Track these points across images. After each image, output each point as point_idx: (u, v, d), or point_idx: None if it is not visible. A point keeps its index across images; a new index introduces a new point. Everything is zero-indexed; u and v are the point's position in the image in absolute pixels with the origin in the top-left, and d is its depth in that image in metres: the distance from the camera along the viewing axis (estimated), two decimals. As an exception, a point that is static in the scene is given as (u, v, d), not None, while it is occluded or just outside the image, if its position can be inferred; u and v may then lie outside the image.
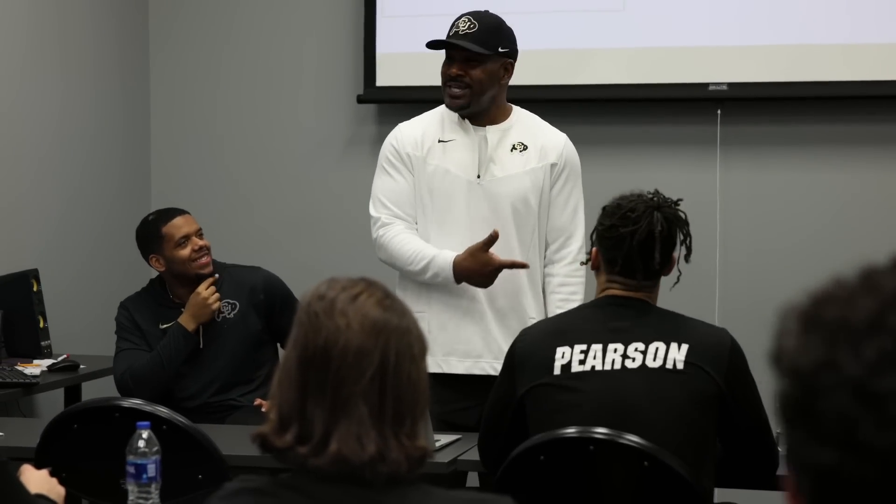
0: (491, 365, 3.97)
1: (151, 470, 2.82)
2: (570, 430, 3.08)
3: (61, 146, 5.70)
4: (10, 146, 5.38)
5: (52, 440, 3.49)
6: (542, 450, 3.09)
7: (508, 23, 5.82)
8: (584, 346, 3.20)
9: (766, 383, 3.29)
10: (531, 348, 3.26)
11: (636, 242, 3.19)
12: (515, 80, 5.72)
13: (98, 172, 5.93)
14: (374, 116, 5.88)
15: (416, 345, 1.99)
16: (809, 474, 1.14)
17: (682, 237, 3.30)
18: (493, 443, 3.37)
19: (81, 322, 5.63)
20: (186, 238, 4.68)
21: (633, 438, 3.04)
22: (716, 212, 5.61)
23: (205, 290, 4.63)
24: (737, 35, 5.55)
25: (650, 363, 3.16)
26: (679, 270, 3.33)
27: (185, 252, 4.67)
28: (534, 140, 4.10)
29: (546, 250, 4.13)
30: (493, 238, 3.92)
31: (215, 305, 4.63)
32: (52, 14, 5.62)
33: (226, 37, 6.15)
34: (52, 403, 5.20)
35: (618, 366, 3.17)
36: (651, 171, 5.74)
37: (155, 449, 2.83)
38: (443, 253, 4.01)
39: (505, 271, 3.95)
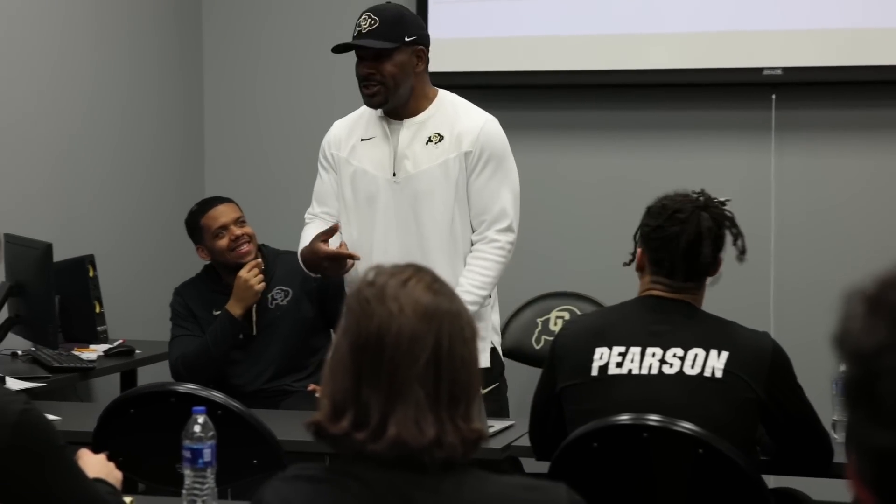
0: None
1: (207, 455, 2.83)
2: (624, 417, 3.07)
3: (119, 134, 5.74)
4: (70, 134, 5.42)
5: (108, 425, 3.52)
6: (595, 437, 3.09)
7: (562, 8, 5.83)
8: (622, 349, 3.18)
9: (823, 369, 3.29)
10: (571, 344, 3.26)
11: (685, 243, 3.17)
12: (571, 64, 5.76)
13: (154, 159, 5.97)
14: (427, 102, 5.88)
15: (466, 328, 1.99)
16: (870, 457, 1.14)
17: (732, 237, 3.27)
18: (540, 431, 3.38)
19: (137, 307, 5.67)
20: (224, 228, 4.73)
21: (687, 425, 3.02)
22: (770, 198, 5.57)
23: (246, 273, 4.66)
24: (791, 18, 5.51)
25: (688, 370, 3.13)
26: (720, 273, 3.29)
27: (224, 242, 4.72)
28: (451, 129, 4.02)
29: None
30: (333, 230, 3.97)
31: (258, 287, 4.65)
32: (118, 15, 5.66)
33: (277, 27, 6.16)
34: (108, 388, 5.24)
35: (654, 370, 3.15)
36: (705, 157, 5.71)
37: (210, 434, 2.85)
38: (301, 245, 4.08)
39: (438, 267, 3.91)
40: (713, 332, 3.19)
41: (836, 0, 5.47)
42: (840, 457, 3.31)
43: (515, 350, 5.37)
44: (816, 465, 3.29)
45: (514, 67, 5.83)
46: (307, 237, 4.10)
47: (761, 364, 3.15)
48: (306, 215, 4.20)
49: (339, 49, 4.04)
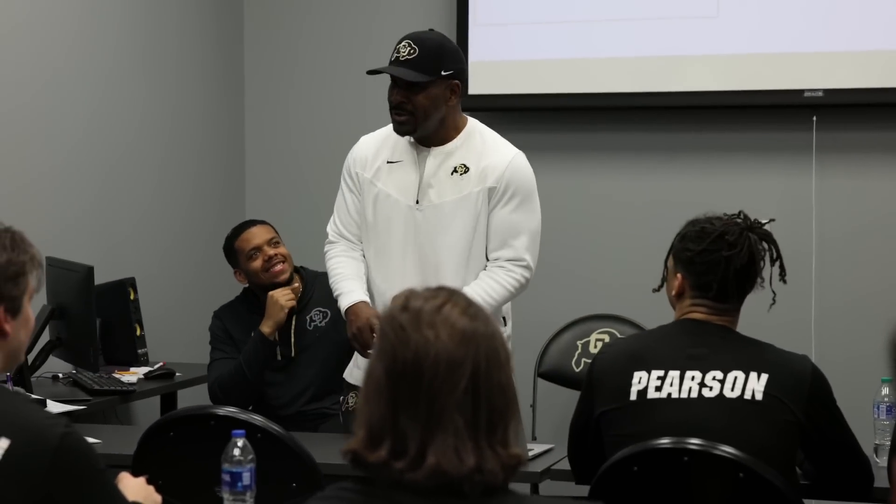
0: None
1: (246, 478, 2.83)
2: (665, 441, 3.05)
3: (161, 159, 5.77)
4: (113, 159, 5.45)
5: (148, 448, 3.52)
6: (636, 460, 3.07)
7: (602, 30, 5.84)
8: (661, 372, 3.17)
9: (865, 391, 3.26)
10: (609, 368, 3.24)
11: (738, 265, 3.19)
12: (610, 87, 5.75)
13: (195, 184, 5.99)
14: (467, 125, 5.88)
15: (501, 350, 1.98)
16: None
17: (773, 257, 3.28)
18: (580, 455, 3.37)
19: (177, 330, 5.69)
20: (257, 249, 4.77)
21: (727, 449, 3.01)
22: (811, 220, 5.55)
23: (277, 291, 4.68)
24: (832, 40, 5.49)
25: (728, 393, 3.12)
26: (773, 291, 3.30)
27: (257, 263, 4.76)
28: (477, 162, 3.98)
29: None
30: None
31: (288, 304, 4.67)
32: (163, 43, 5.70)
33: (318, 48, 6.18)
34: (148, 411, 5.25)
35: (694, 394, 3.13)
36: (745, 178, 5.69)
37: (250, 457, 2.85)
38: (351, 294, 3.99)
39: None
40: (752, 355, 3.18)
41: (877, 22, 5.45)
42: (881, 481, 3.28)
43: (555, 373, 5.35)
44: (856, 489, 3.27)
45: (554, 90, 5.83)
46: (337, 266, 4.06)
47: (801, 387, 3.13)
48: (330, 231, 4.14)
49: (375, 73, 4.02)
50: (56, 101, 5.18)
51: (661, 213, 5.71)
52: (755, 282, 3.24)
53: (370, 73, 4.03)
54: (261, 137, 6.32)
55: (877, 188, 5.57)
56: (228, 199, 6.22)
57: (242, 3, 6.30)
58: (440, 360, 1.91)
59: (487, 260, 4.00)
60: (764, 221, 3.32)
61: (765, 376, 3.12)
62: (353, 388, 4.15)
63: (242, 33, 6.30)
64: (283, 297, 4.68)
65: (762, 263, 3.26)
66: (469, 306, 1.98)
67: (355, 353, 4.13)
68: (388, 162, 4.04)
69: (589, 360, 5.25)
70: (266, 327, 4.69)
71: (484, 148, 4.02)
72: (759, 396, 3.10)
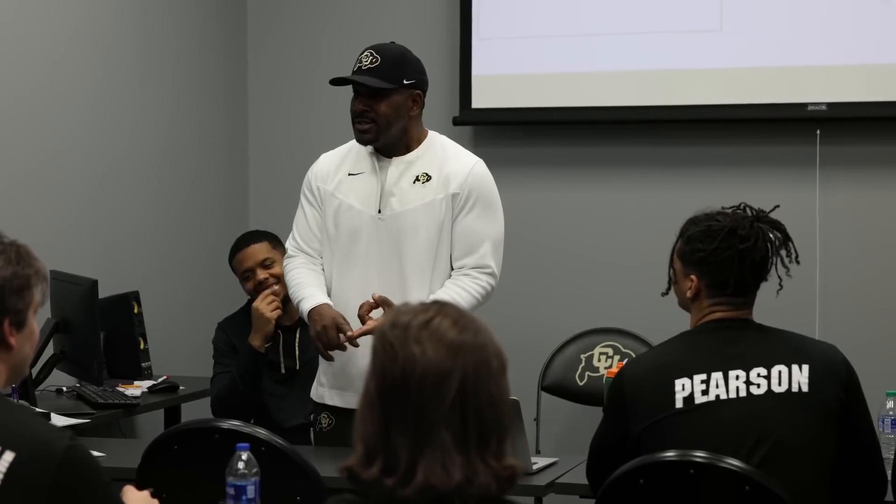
0: None
1: (251, 491, 2.83)
2: (670, 454, 3.04)
3: (164, 171, 5.77)
4: (115, 172, 5.46)
5: (152, 461, 3.52)
6: (641, 473, 3.06)
7: (605, 44, 5.84)
8: (703, 376, 3.13)
9: (870, 404, 3.25)
10: (644, 384, 3.18)
11: (758, 258, 3.19)
12: (613, 100, 5.75)
13: (198, 196, 6.00)
14: (470, 139, 5.89)
15: (493, 361, 1.98)
16: None
17: (782, 244, 3.27)
18: (603, 476, 3.27)
19: (181, 344, 5.69)
20: (250, 271, 4.78)
21: (733, 462, 3.00)
22: (815, 234, 5.54)
23: (260, 303, 4.68)
24: (835, 54, 5.49)
25: (775, 388, 3.11)
26: (780, 276, 3.28)
27: (250, 285, 4.80)
28: (439, 170, 4.01)
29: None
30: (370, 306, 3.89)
31: (272, 315, 4.67)
32: (162, 51, 5.71)
33: (321, 60, 6.19)
34: (152, 424, 5.25)
35: (743, 393, 3.11)
36: (749, 192, 5.62)
37: (254, 470, 2.85)
38: (314, 298, 3.98)
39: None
40: (790, 347, 3.17)
41: (880, 35, 5.45)
42: (889, 495, 3.28)
43: (559, 386, 5.35)
44: (870, 496, 3.25)
45: (557, 104, 5.83)
46: (296, 276, 4.05)
47: (839, 372, 3.15)
48: (289, 246, 4.15)
49: (337, 82, 4.05)
50: (59, 114, 5.18)
51: (665, 227, 5.69)
52: (769, 271, 3.23)
53: (333, 82, 4.06)
54: (264, 147, 6.32)
55: (881, 202, 5.57)
56: (232, 211, 6.22)
57: (245, 10, 6.31)
58: (426, 374, 1.92)
59: (452, 269, 4.01)
60: (768, 210, 3.29)
61: (806, 367, 3.12)
62: (322, 407, 4.13)
63: (246, 42, 6.31)
64: (267, 309, 4.68)
65: (773, 252, 3.24)
66: (460, 318, 1.98)
67: (319, 369, 4.13)
68: (349, 174, 4.07)
69: (593, 374, 5.27)
70: (255, 340, 4.69)
71: (445, 156, 4.05)
72: (805, 388, 3.10)
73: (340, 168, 4.09)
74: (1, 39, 4.90)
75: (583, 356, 5.37)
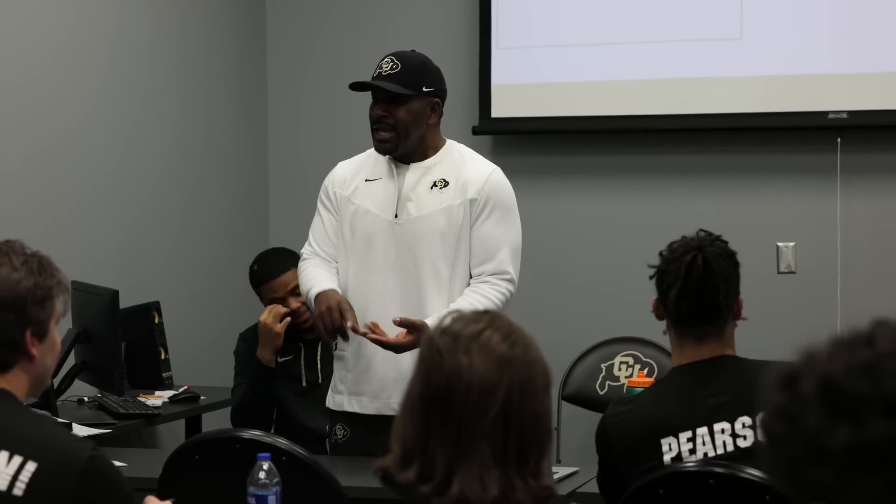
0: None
1: (272, 501, 2.83)
2: (690, 465, 3.04)
3: (185, 183, 5.79)
4: (135, 183, 5.48)
5: (174, 471, 3.53)
6: (661, 483, 3.06)
7: (624, 52, 5.84)
8: (689, 434, 3.07)
9: None
10: (630, 443, 3.12)
11: (678, 290, 3.08)
12: (635, 109, 5.75)
13: (219, 205, 6.01)
14: (490, 148, 5.89)
15: (539, 378, 1.96)
16: None
17: (728, 275, 3.12)
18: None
19: (202, 353, 5.70)
20: (281, 300, 4.73)
21: (753, 472, 2.99)
22: (836, 242, 5.53)
23: (266, 317, 4.66)
24: (856, 62, 5.48)
25: (738, 473, 3.03)
26: (745, 318, 3.17)
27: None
28: (457, 176, 4.01)
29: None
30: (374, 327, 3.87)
31: (278, 329, 4.64)
32: (196, 73, 5.73)
33: (342, 71, 6.20)
34: (173, 434, 5.26)
35: (730, 447, 3.05)
36: (770, 201, 5.68)
37: (275, 480, 2.85)
38: (323, 284, 3.98)
39: (434, 312, 3.85)
40: (753, 390, 3.08)
41: (901, 43, 5.44)
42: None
43: (579, 395, 5.35)
44: None
45: (577, 113, 5.83)
46: (306, 270, 4.06)
47: None
48: (304, 251, 4.14)
49: (357, 86, 4.06)
50: (81, 127, 5.20)
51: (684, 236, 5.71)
52: (729, 299, 3.10)
53: (353, 86, 4.06)
54: (284, 159, 6.33)
55: (902, 210, 5.55)
56: (253, 222, 6.23)
57: (265, 28, 6.32)
58: (472, 387, 1.90)
59: (470, 276, 4.00)
60: (716, 235, 3.19)
61: None
62: (337, 417, 4.10)
63: (265, 61, 6.32)
64: (274, 324, 4.66)
65: (718, 282, 3.10)
66: (511, 332, 1.96)
67: (334, 378, 4.10)
68: (365, 180, 4.07)
69: (613, 383, 5.26)
70: (265, 354, 4.67)
71: (463, 163, 4.05)
72: None
73: (358, 174, 4.10)
74: (44, 72, 4.93)
75: (603, 365, 5.36)
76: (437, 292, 3.95)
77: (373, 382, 3.98)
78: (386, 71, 3.99)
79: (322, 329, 3.95)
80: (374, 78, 4.02)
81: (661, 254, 3.19)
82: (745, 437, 3.07)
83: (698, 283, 3.08)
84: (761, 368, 3.09)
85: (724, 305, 3.11)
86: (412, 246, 3.98)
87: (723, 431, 3.07)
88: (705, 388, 3.11)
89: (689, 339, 3.14)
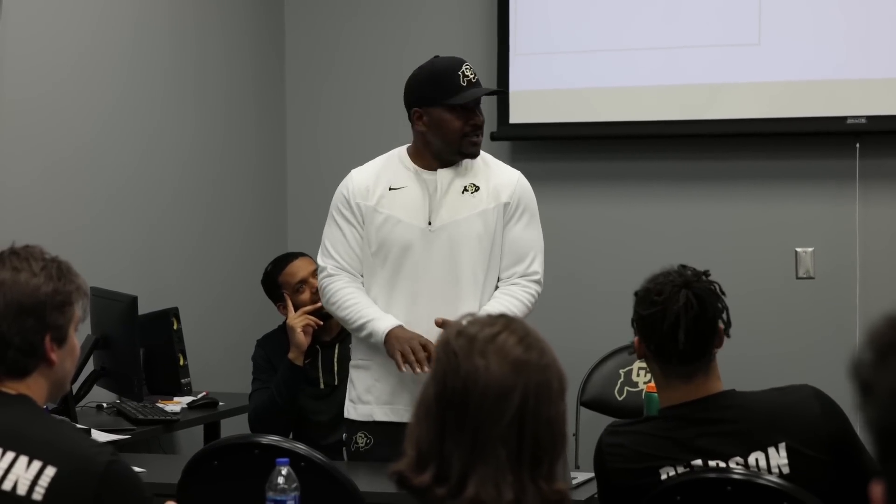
0: None
1: (290, 506, 2.84)
2: (709, 471, 3.03)
3: (203, 190, 5.80)
4: (154, 189, 5.49)
5: (193, 477, 3.53)
6: (679, 490, 3.04)
7: (642, 58, 5.85)
8: (683, 467, 3.02)
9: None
10: (627, 474, 3.08)
11: (667, 327, 2.98)
12: (653, 115, 5.75)
13: (237, 212, 6.02)
14: (508, 154, 5.89)
15: (555, 383, 1.96)
16: None
17: (719, 310, 3.04)
18: None
19: (221, 359, 5.71)
20: (303, 282, 4.76)
21: (771, 479, 2.98)
22: (855, 248, 5.52)
23: (295, 319, 4.68)
24: (874, 67, 5.47)
25: (756, 480, 2.98)
26: (728, 335, 3.06)
27: (305, 296, 4.78)
28: (487, 181, 4.01)
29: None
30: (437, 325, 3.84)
31: (300, 326, 4.66)
32: (216, 82, 5.74)
33: (359, 76, 6.21)
34: (191, 440, 5.27)
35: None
36: (788, 206, 5.67)
37: (294, 485, 2.86)
38: (385, 320, 3.93)
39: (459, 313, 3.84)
40: (761, 423, 3.01)
41: (920, 48, 5.43)
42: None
43: (598, 401, 5.33)
44: None
45: (592, 118, 5.84)
46: (351, 297, 3.97)
47: (817, 433, 2.99)
48: (328, 264, 4.04)
49: (482, 94, 4.00)
50: (103, 134, 5.22)
51: (705, 242, 5.70)
52: (713, 338, 3.02)
53: (471, 99, 3.97)
54: (302, 165, 6.34)
55: (921, 215, 5.54)
56: (271, 228, 6.24)
57: (284, 34, 6.33)
58: (488, 390, 1.91)
59: (498, 278, 4.02)
60: (702, 270, 3.09)
61: (783, 445, 2.98)
62: (358, 426, 4.08)
63: (284, 67, 6.33)
64: (300, 324, 4.68)
65: (708, 319, 3.01)
66: (526, 336, 1.96)
67: (355, 389, 4.07)
68: (389, 189, 4.03)
69: (632, 389, 5.25)
70: (292, 354, 4.70)
71: (488, 168, 4.07)
72: (786, 470, 2.98)
73: (378, 183, 4.04)
74: (65, 79, 4.95)
75: (621, 371, 5.35)
76: (473, 296, 3.96)
77: (413, 392, 3.94)
78: (474, 77, 4.01)
79: (401, 361, 3.89)
80: (472, 84, 3.99)
81: (640, 294, 3.08)
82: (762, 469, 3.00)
83: (694, 323, 2.98)
84: (746, 402, 3.04)
85: (713, 342, 3.04)
86: (447, 251, 3.97)
87: (718, 466, 3.02)
88: (695, 433, 3.03)
89: (677, 378, 3.04)
